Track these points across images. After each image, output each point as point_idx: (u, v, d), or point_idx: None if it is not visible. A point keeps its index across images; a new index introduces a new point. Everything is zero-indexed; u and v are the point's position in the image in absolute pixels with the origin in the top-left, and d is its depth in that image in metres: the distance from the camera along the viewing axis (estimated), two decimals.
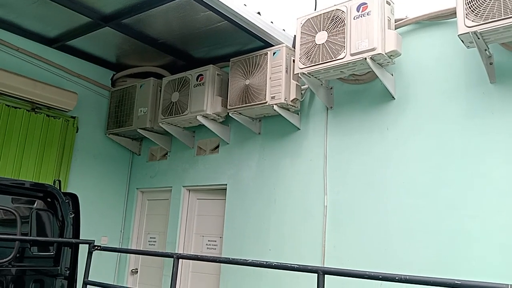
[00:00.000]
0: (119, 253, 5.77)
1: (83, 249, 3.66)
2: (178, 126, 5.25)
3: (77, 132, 5.51)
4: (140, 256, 5.73)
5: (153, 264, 5.52)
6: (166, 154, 5.73)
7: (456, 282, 1.75)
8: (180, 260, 3.09)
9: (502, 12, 2.90)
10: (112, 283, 5.48)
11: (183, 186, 5.39)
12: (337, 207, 3.99)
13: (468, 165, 3.33)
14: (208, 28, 4.45)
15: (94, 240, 3.70)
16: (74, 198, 3.86)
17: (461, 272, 3.17)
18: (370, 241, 3.71)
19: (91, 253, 3.60)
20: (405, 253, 3.50)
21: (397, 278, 1.93)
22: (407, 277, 1.91)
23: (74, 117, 5.45)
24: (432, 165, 3.50)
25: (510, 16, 2.87)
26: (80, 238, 3.82)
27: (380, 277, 2.03)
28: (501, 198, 3.13)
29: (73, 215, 3.83)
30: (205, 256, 3.44)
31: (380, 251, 3.63)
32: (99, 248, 3.67)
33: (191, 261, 5.09)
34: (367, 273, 2.08)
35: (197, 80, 4.89)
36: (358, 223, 3.82)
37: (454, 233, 3.29)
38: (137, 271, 5.71)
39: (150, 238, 5.73)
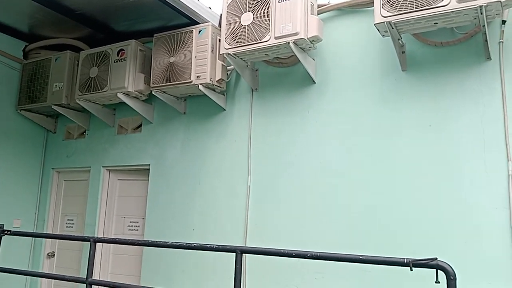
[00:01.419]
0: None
1: None
2: (97, 103, 5.00)
3: None
4: None
5: (71, 247, 5.29)
6: (84, 132, 5.45)
7: (360, 257, 1.89)
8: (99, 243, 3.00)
9: (414, 5, 3.08)
10: (26, 269, 5.18)
11: (103, 166, 5.18)
12: (259, 187, 4.09)
13: (379, 146, 3.57)
14: (131, 1, 4.24)
15: (3, 224, 3.47)
16: None
17: (370, 246, 3.43)
18: (289, 219, 3.87)
19: (0, 238, 3.37)
20: (321, 230, 3.70)
21: (308, 255, 2.04)
22: (318, 253, 2.02)
23: None
24: (347, 146, 3.71)
25: (420, 9, 3.06)
26: None
27: (294, 254, 2.14)
28: (407, 176, 3.41)
29: None
30: (124, 239, 3.37)
31: (298, 228, 3.80)
32: (9, 232, 3.45)
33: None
34: (282, 251, 2.18)
35: (118, 55, 4.66)
36: (278, 202, 3.96)
37: (364, 209, 3.54)
38: (53, 255, 5.44)
39: (68, 220, 5.47)
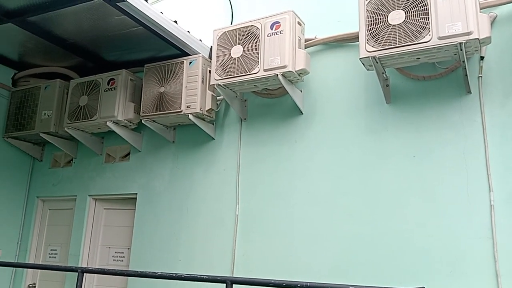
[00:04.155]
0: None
1: None
2: (86, 132, 5.00)
3: None
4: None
5: (53, 278, 5.15)
6: (71, 160, 5.41)
7: (350, 287, 1.92)
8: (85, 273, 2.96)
9: (397, 40, 3.22)
10: None
11: (89, 195, 5.13)
12: (247, 216, 4.10)
13: (364, 176, 3.63)
14: (122, 32, 4.32)
15: None
16: None
17: (358, 275, 3.44)
18: (277, 248, 3.86)
19: None
20: (309, 259, 3.70)
21: (299, 285, 2.06)
22: (308, 284, 2.04)
23: None
24: (333, 175, 3.76)
25: (403, 44, 3.20)
26: None
27: (284, 284, 2.15)
28: (392, 206, 3.46)
29: None
30: (112, 269, 3.32)
31: (286, 257, 3.80)
32: None
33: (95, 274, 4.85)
34: (272, 281, 2.19)
35: (108, 84, 4.71)
36: (267, 231, 3.96)
37: (350, 238, 3.56)
38: (35, 286, 5.29)
39: (51, 250, 5.35)
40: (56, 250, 5.32)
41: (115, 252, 4.91)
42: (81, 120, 4.75)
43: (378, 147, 3.64)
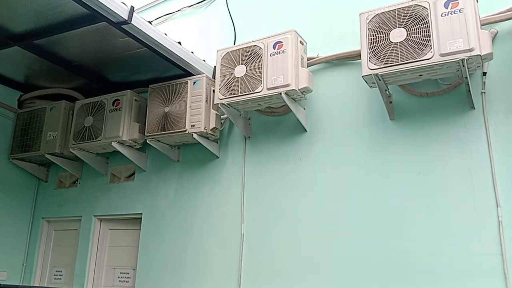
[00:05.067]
0: None
1: None
2: (91, 152, 5.02)
3: None
4: None
5: None
6: (76, 181, 5.43)
7: None
8: None
9: (399, 58, 3.24)
10: None
11: (94, 216, 5.13)
12: (252, 235, 4.07)
13: (369, 193, 3.61)
14: (126, 53, 4.37)
15: None
16: None
17: None
18: (282, 268, 3.83)
19: None
20: (315, 278, 3.66)
21: None
22: None
23: None
24: (338, 193, 3.74)
25: (405, 62, 3.22)
26: None
27: None
28: (398, 223, 3.43)
29: None
30: None
31: (293, 277, 3.75)
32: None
33: None
34: None
35: (113, 105, 4.75)
36: (272, 250, 3.93)
37: (356, 257, 3.52)
38: None
39: (56, 271, 5.32)
40: (61, 271, 5.29)
41: (121, 273, 4.88)
42: (86, 141, 4.78)
43: (382, 164, 3.63)
